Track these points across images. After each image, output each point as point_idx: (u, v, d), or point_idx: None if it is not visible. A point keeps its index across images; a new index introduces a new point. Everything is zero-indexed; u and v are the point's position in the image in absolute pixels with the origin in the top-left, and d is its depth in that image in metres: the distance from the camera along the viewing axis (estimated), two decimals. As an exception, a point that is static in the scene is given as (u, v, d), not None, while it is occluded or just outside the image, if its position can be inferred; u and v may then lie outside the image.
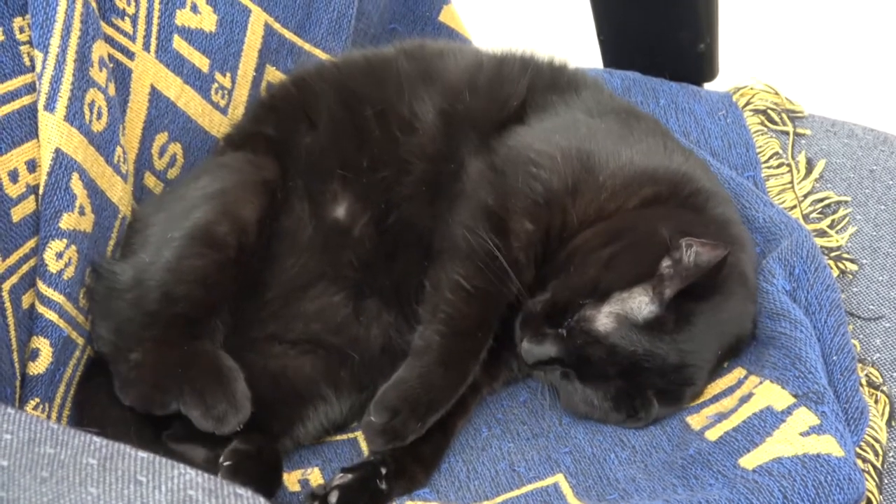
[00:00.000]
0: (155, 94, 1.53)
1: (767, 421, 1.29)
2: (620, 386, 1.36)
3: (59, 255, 1.33)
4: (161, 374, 1.37)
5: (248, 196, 1.47)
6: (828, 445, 1.22)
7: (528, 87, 1.58)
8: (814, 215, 1.67)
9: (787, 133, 1.79)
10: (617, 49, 1.99)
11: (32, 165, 1.32)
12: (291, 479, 1.42)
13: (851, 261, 1.59)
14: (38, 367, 1.33)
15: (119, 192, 1.44)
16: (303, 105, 1.59)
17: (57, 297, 1.34)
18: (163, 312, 1.40)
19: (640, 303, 1.33)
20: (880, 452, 1.33)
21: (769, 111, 1.81)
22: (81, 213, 1.36)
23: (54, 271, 1.33)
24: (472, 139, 1.52)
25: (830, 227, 1.65)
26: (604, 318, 1.34)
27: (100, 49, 1.39)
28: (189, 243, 1.42)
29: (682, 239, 1.33)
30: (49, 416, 1.36)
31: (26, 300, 1.33)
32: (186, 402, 1.35)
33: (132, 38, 1.48)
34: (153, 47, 1.52)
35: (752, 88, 1.86)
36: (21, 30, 1.32)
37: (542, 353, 1.37)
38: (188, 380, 1.35)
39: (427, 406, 1.35)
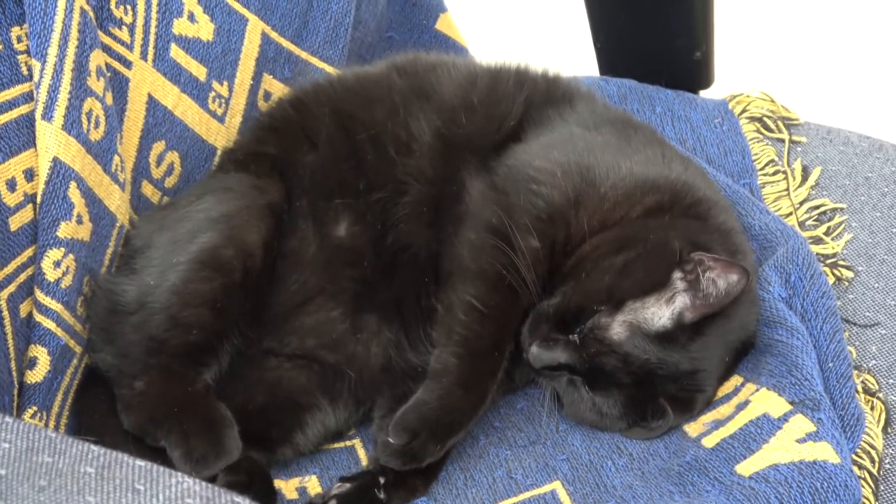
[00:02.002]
0: (152, 103, 1.53)
1: (764, 428, 1.29)
2: (632, 394, 1.37)
3: (57, 264, 1.33)
4: (159, 409, 1.37)
5: (253, 221, 1.47)
6: (824, 452, 1.22)
7: (525, 104, 1.58)
8: (809, 222, 1.67)
9: (782, 140, 1.79)
10: (613, 57, 2.00)
11: (30, 174, 1.32)
12: (289, 487, 1.43)
13: (847, 268, 1.59)
14: (36, 375, 1.33)
15: (117, 201, 1.45)
16: (302, 127, 1.59)
17: (55, 305, 1.34)
18: (170, 340, 1.40)
19: (654, 314, 1.34)
20: (876, 459, 1.34)
21: (765, 119, 1.82)
22: (79, 221, 1.36)
23: (52, 280, 1.33)
24: (471, 161, 1.52)
25: (826, 234, 1.65)
26: (618, 327, 1.34)
27: (97, 58, 1.39)
28: (196, 267, 1.42)
29: (693, 253, 1.34)
30: (47, 425, 1.36)
31: (24, 309, 1.33)
32: (171, 441, 1.34)
33: (129, 48, 1.49)
34: (150, 56, 1.52)
35: (748, 96, 1.86)
36: (19, 39, 1.32)
37: (552, 358, 1.37)
38: (178, 421, 1.35)
39: (447, 428, 1.35)
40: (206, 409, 1.38)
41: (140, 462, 0.79)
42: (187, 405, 1.37)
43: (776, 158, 1.75)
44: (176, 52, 1.55)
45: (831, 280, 1.57)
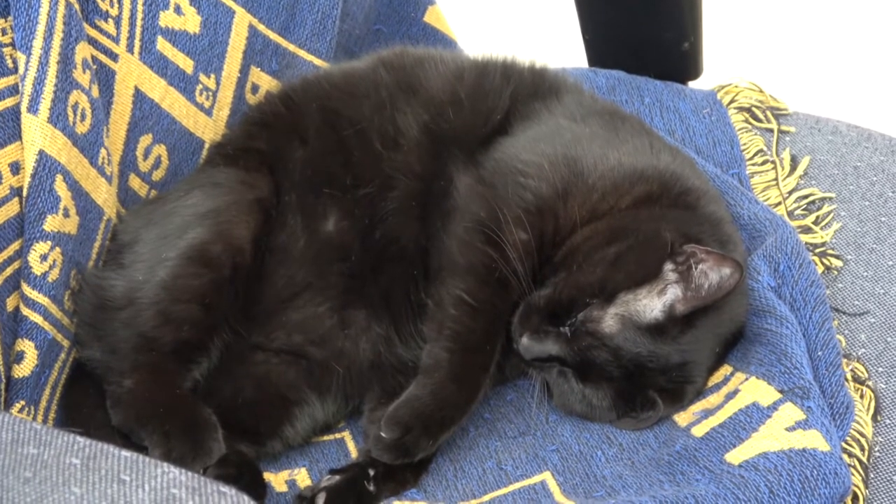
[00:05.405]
0: (139, 96, 1.53)
1: (753, 417, 1.29)
2: (622, 386, 1.37)
3: (44, 258, 1.33)
4: (146, 408, 1.37)
5: (241, 216, 1.47)
6: (814, 440, 1.22)
7: (511, 97, 1.58)
8: (798, 212, 1.67)
9: (771, 130, 1.79)
10: (602, 48, 2.00)
11: (16, 167, 1.31)
12: (278, 480, 1.42)
13: (836, 257, 1.60)
14: (24, 369, 1.33)
15: (104, 194, 1.44)
16: (291, 123, 1.59)
17: (42, 299, 1.33)
18: (160, 338, 1.39)
19: (646, 306, 1.34)
20: (866, 447, 1.34)
21: (753, 109, 1.82)
22: (66, 215, 1.35)
23: (39, 273, 1.33)
24: (458, 155, 1.52)
25: (815, 223, 1.65)
26: (610, 320, 1.34)
27: (83, 51, 1.38)
28: (184, 263, 1.42)
29: (685, 245, 1.34)
30: (35, 419, 1.36)
31: (11, 303, 1.32)
32: (152, 441, 1.34)
33: (115, 40, 1.48)
34: (137, 49, 1.51)
35: (736, 86, 1.86)
36: (3, 32, 1.31)
37: (542, 350, 1.37)
38: (161, 422, 1.35)
39: (440, 423, 1.34)
40: (190, 411, 1.37)
41: (126, 453, 0.79)
42: (172, 407, 1.37)
43: (765, 148, 1.75)
44: (162, 45, 1.55)
45: (820, 269, 1.57)
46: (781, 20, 3.04)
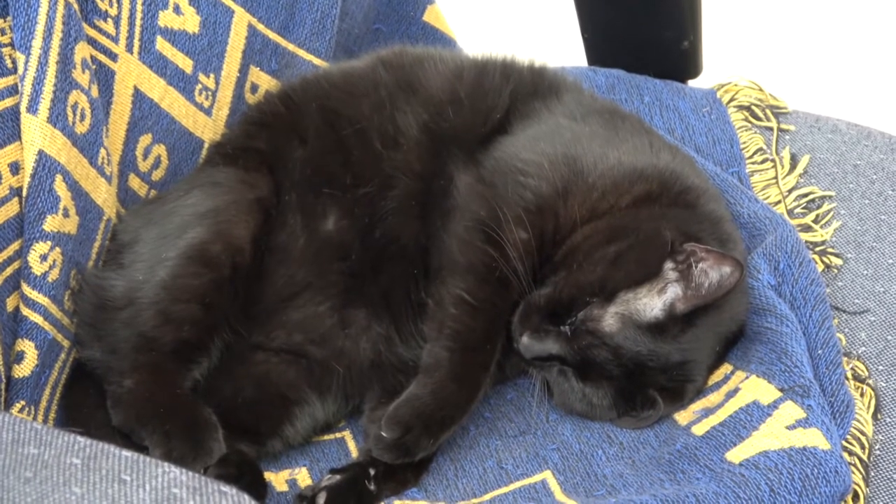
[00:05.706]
0: (138, 96, 1.53)
1: (754, 415, 1.29)
2: (622, 385, 1.37)
3: (44, 258, 1.33)
4: (146, 408, 1.37)
5: (241, 216, 1.47)
6: (814, 438, 1.22)
7: (511, 96, 1.58)
8: (798, 210, 1.67)
9: (771, 129, 1.79)
10: (601, 47, 1.99)
11: (16, 168, 1.31)
12: (279, 479, 1.42)
13: (836, 255, 1.60)
14: (24, 369, 1.33)
15: (103, 194, 1.44)
16: (291, 122, 1.59)
17: (42, 299, 1.33)
18: (160, 338, 1.39)
19: (646, 305, 1.34)
20: (866, 445, 1.34)
21: (753, 107, 1.82)
22: (65, 215, 1.35)
23: (38, 273, 1.33)
24: (458, 154, 1.52)
25: (815, 221, 1.65)
26: (610, 319, 1.34)
27: (82, 51, 1.38)
28: (184, 262, 1.42)
29: (685, 244, 1.34)
30: (35, 419, 1.35)
31: (11, 303, 1.32)
32: (153, 441, 1.34)
33: (115, 40, 1.48)
34: (136, 49, 1.51)
35: (736, 85, 1.86)
36: (2, 32, 1.31)
37: (543, 349, 1.37)
38: (161, 422, 1.35)
39: (440, 423, 1.34)
40: (191, 411, 1.37)
41: (126, 452, 0.79)
42: (172, 407, 1.37)
43: (764, 147, 1.75)
44: (162, 45, 1.55)
45: (820, 268, 1.57)
46: (781, 19, 3.04)
